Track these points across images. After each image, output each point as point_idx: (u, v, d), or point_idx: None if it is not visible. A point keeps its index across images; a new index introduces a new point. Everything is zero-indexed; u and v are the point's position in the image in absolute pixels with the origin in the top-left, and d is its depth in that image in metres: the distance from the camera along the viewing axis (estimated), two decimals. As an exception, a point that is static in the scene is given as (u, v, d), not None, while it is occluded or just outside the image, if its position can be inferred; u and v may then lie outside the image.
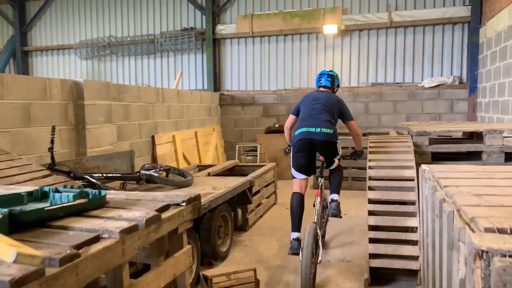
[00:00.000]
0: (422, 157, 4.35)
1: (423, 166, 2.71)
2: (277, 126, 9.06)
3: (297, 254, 3.43)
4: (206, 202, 3.88)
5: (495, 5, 7.27)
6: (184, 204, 2.11)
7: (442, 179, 2.16)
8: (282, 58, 9.84)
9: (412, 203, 3.67)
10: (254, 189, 5.67)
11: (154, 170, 4.57)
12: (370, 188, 3.85)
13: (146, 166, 4.72)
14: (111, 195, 2.20)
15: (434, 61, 8.86)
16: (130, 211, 1.86)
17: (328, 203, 4.01)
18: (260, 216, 6.06)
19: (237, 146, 8.26)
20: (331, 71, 4.29)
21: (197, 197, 2.24)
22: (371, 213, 3.69)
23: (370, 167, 4.02)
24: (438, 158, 4.39)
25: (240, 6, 10.00)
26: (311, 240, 3.30)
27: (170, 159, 7.33)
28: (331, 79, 4.19)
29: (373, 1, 9.12)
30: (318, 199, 3.85)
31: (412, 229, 3.58)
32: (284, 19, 9.57)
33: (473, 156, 4.34)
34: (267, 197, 6.59)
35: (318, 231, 3.52)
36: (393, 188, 3.80)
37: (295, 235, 3.62)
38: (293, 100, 9.65)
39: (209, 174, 5.89)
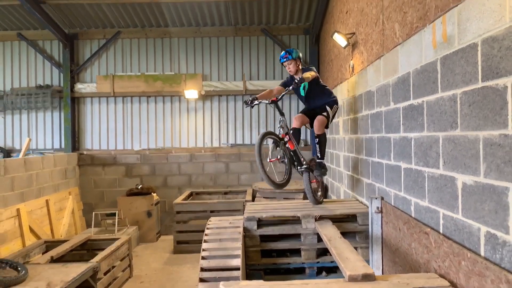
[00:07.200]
0: (252, 240, 4.86)
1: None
2: (139, 188, 9.04)
3: None
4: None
5: (325, 83, 8.53)
6: None
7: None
8: (146, 118, 9.98)
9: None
10: (104, 269, 5.61)
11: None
12: (202, 280, 4.17)
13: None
14: None
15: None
16: None
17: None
18: (111, 297, 5.95)
19: (93, 213, 8.00)
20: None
21: None
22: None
23: (203, 257, 4.36)
24: (267, 239, 4.95)
25: (101, 66, 9.93)
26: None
27: (13, 236, 6.78)
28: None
29: (230, 71, 9.93)
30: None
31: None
32: (147, 82, 9.79)
33: (297, 236, 5.00)
34: (122, 271, 6.52)
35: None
36: (221, 278, 4.17)
37: None
38: (156, 160, 9.78)
39: (52, 259, 5.62)
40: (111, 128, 9.96)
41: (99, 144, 9.94)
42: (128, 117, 9.96)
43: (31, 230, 7.24)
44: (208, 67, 9.95)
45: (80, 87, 9.79)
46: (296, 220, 5.11)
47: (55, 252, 5.84)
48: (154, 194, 9.16)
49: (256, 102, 5.02)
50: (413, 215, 3.62)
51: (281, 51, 9.76)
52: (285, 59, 5.25)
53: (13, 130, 9.93)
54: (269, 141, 4.95)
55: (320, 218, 4.89)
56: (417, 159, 3.51)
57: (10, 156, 9.61)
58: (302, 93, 5.42)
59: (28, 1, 8.15)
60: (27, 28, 9.79)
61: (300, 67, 5.35)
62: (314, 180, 5.42)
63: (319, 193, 5.52)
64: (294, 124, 5.23)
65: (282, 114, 5.05)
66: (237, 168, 9.85)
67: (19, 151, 9.25)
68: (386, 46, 4.37)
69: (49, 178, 8.24)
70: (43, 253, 6.36)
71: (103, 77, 9.80)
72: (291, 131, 5.13)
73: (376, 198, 4.51)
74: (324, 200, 5.54)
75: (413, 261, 3.52)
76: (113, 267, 6.09)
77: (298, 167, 5.20)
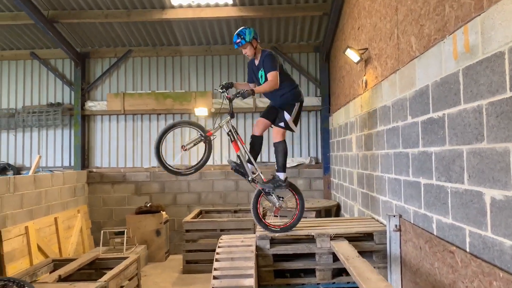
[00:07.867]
0: (265, 259, 4.71)
1: None
2: (148, 206, 8.93)
3: None
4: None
5: (337, 101, 8.49)
6: None
7: None
8: (156, 136, 9.93)
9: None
10: (112, 289, 5.46)
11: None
12: (213, 301, 4.01)
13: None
14: None
15: (294, 142, 9.82)
16: None
17: None
18: (119, 318, 5.78)
19: (102, 231, 7.88)
20: None
21: None
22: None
23: (214, 277, 4.21)
24: (280, 259, 4.79)
25: (112, 84, 9.99)
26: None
27: (21, 254, 6.68)
28: None
29: (240, 88, 9.90)
30: None
31: None
32: (157, 99, 9.80)
33: (311, 255, 4.83)
34: (130, 292, 6.36)
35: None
36: (234, 299, 4.01)
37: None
38: (166, 177, 9.68)
39: (59, 278, 5.49)
40: (121, 146, 9.93)
41: (109, 162, 9.90)
42: (138, 135, 9.95)
43: (39, 248, 7.13)
44: (218, 84, 9.94)
45: (90, 105, 9.83)
46: (310, 239, 4.95)
47: (63, 271, 5.71)
48: (163, 213, 9.04)
49: (223, 91, 4.79)
50: (435, 233, 3.46)
51: (292, 69, 9.83)
52: (238, 45, 4.61)
53: (23, 148, 9.94)
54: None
55: (335, 237, 4.73)
56: (438, 174, 3.38)
57: (20, 174, 9.60)
58: (262, 80, 4.73)
59: (41, 21, 8.26)
60: (39, 47, 9.92)
61: (259, 47, 4.76)
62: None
63: (296, 215, 4.81)
64: (254, 130, 4.94)
65: (231, 115, 4.81)
66: (247, 186, 9.65)
67: (29, 168, 9.24)
68: (402, 60, 4.29)
69: (58, 196, 8.17)
70: (50, 272, 6.24)
71: (114, 95, 9.84)
72: (250, 139, 4.92)
73: (394, 216, 4.36)
74: (338, 218, 5.35)
75: (437, 281, 3.35)
76: (121, 287, 5.93)
77: (246, 177, 4.86)
